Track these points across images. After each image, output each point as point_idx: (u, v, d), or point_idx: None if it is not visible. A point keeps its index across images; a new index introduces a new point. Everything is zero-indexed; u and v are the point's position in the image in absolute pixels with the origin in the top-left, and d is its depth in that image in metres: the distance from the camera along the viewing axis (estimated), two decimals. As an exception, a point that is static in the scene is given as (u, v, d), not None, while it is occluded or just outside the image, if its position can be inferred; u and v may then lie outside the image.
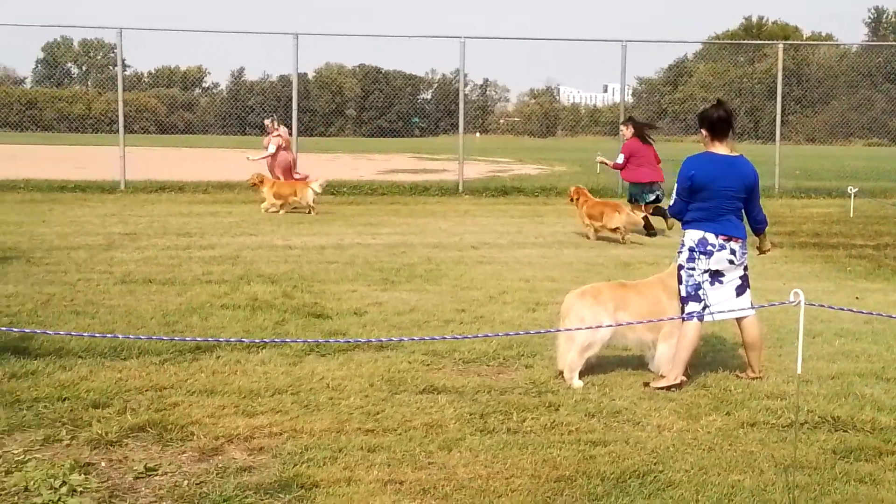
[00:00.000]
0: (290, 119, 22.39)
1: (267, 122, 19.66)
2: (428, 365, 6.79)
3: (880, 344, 7.59)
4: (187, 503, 4.40)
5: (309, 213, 17.33)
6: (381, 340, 7.22)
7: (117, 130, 22.68)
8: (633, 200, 15.05)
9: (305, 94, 46.70)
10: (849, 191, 19.19)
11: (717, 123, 6.43)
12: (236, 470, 4.78)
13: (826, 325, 8.09)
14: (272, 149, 19.03)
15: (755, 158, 6.58)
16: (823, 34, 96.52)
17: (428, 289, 9.84)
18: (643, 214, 14.67)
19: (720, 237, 6.35)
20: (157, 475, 4.72)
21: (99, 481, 4.61)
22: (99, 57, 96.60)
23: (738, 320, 6.58)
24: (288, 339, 7.26)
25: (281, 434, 5.29)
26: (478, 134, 74.40)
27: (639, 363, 6.84)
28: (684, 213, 6.50)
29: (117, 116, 23.04)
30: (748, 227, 6.61)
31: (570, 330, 6.38)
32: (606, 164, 16.01)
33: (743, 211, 6.52)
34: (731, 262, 6.39)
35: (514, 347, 7.23)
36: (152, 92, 72.13)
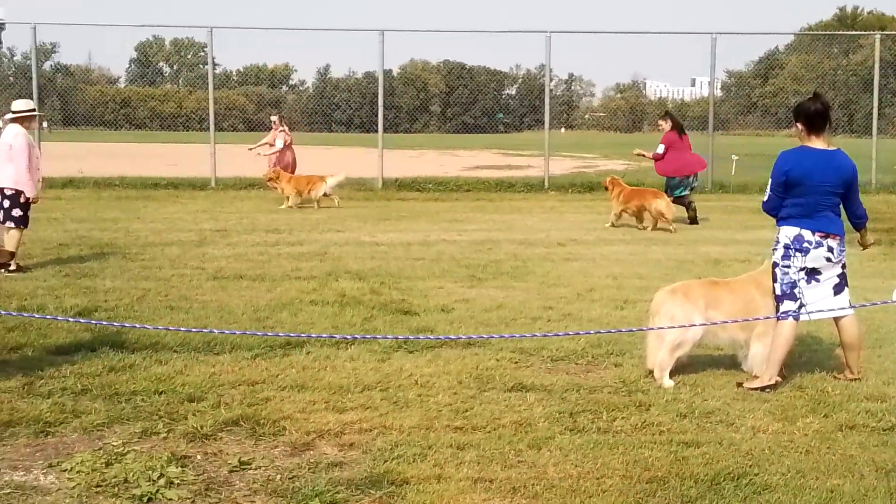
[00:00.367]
0: (376, 116, 22.51)
1: (274, 118, 19.86)
2: (516, 362, 6.77)
3: None
4: (281, 497, 4.46)
5: (318, 206, 17.67)
6: (469, 337, 7.22)
7: (207, 128, 23.10)
8: (669, 193, 15.54)
9: (390, 90, 46.94)
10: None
11: (815, 117, 6.27)
12: (328, 465, 4.82)
13: (928, 324, 7.82)
14: (279, 144, 19.21)
15: (850, 153, 6.37)
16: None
17: (515, 286, 9.81)
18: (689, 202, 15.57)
19: (817, 234, 6.19)
20: (250, 469, 4.80)
21: (195, 474, 4.71)
22: (189, 56, 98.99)
23: (836, 320, 6.41)
24: (377, 336, 7.31)
25: (371, 430, 5.33)
26: (563, 129, 73.87)
27: (731, 363, 6.71)
28: (779, 209, 6.35)
29: (207, 114, 23.53)
30: (847, 223, 6.42)
31: (660, 328, 6.30)
32: (644, 155, 16.53)
33: (841, 206, 6.34)
34: (829, 259, 6.22)
35: (602, 346, 7.16)
36: (241, 90, 73.40)
